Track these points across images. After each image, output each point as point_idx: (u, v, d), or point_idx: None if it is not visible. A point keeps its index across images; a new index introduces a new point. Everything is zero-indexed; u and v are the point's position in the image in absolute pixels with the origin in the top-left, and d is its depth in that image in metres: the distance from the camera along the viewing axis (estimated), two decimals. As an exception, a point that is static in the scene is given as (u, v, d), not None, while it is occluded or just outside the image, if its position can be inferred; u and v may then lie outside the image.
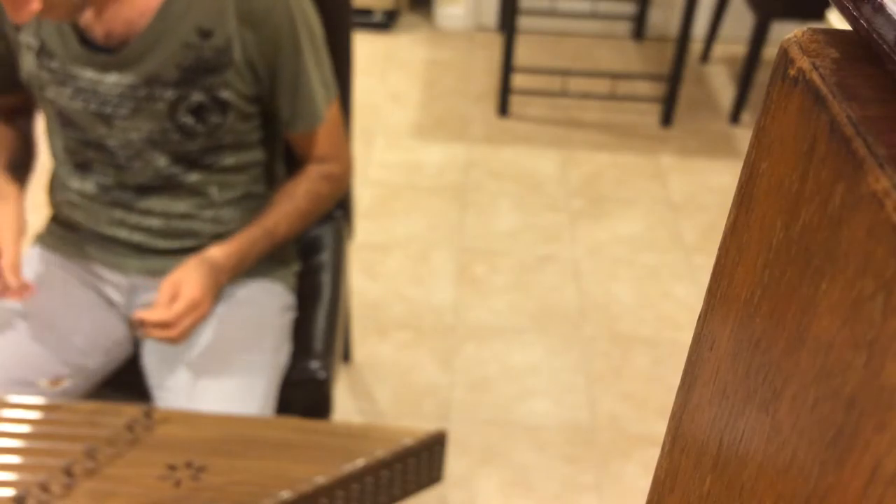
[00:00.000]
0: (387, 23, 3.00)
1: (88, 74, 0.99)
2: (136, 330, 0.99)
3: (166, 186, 1.05)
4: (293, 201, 1.09)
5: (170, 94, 0.99)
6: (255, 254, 1.07)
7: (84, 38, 0.98)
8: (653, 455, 1.54)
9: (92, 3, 0.95)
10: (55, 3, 0.89)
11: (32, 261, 1.10)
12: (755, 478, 0.27)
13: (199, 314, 1.00)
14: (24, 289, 0.97)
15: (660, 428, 1.58)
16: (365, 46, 2.89)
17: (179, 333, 0.98)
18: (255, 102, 1.05)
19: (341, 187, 1.15)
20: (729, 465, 0.29)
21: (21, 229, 1.00)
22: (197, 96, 0.99)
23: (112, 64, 0.98)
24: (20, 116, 1.14)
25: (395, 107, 2.58)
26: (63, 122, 1.03)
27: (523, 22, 2.92)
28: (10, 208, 1.01)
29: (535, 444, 1.56)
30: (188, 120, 1.01)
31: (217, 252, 1.04)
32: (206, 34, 0.97)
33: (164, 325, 0.97)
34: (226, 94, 1.00)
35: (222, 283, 1.04)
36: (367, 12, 2.96)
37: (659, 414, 1.62)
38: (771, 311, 0.26)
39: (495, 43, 2.97)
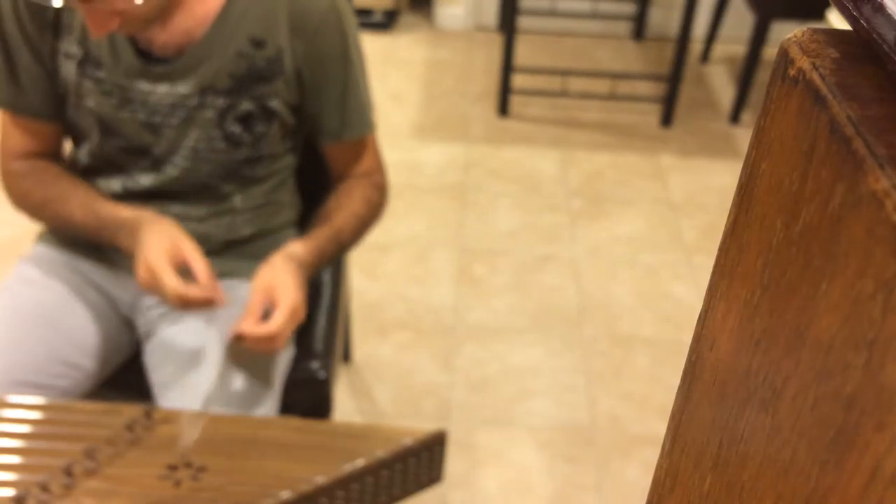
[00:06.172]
0: (387, 23, 3.00)
1: (140, 85, 0.98)
2: (235, 343, 0.93)
3: (195, 192, 1.05)
4: (352, 206, 1.07)
5: (220, 102, 0.99)
6: (328, 254, 1.04)
7: (138, 50, 0.97)
8: (653, 455, 1.54)
9: (162, 16, 0.94)
10: (131, 19, 0.89)
11: (36, 259, 1.10)
12: (755, 478, 0.27)
13: (298, 319, 0.96)
14: (219, 298, 0.92)
15: (660, 428, 1.58)
16: (365, 46, 2.88)
17: (282, 344, 0.94)
18: (297, 112, 1.05)
19: (386, 200, 1.13)
20: (729, 465, 0.29)
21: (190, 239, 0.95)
22: (246, 105, 1.00)
23: (167, 74, 0.98)
24: (58, 152, 1.08)
25: (395, 107, 2.58)
26: (104, 130, 1.02)
27: (523, 22, 2.92)
28: (168, 224, 0.96)
29: (535, 444, 1.56)
30: (235, 129, 1.01)
31: (300, 249, 1.00)
32: (258, 44, 0.98)
33: (268, 338, 0.92)
34: (274, 104, 1.01)
35: (308, 281, 1.00)
36: (367, 12, 2.96)
37: (659, 414, 1.62)
38: (771, 311, 0.26)
39: (495, 43, 2.97)
